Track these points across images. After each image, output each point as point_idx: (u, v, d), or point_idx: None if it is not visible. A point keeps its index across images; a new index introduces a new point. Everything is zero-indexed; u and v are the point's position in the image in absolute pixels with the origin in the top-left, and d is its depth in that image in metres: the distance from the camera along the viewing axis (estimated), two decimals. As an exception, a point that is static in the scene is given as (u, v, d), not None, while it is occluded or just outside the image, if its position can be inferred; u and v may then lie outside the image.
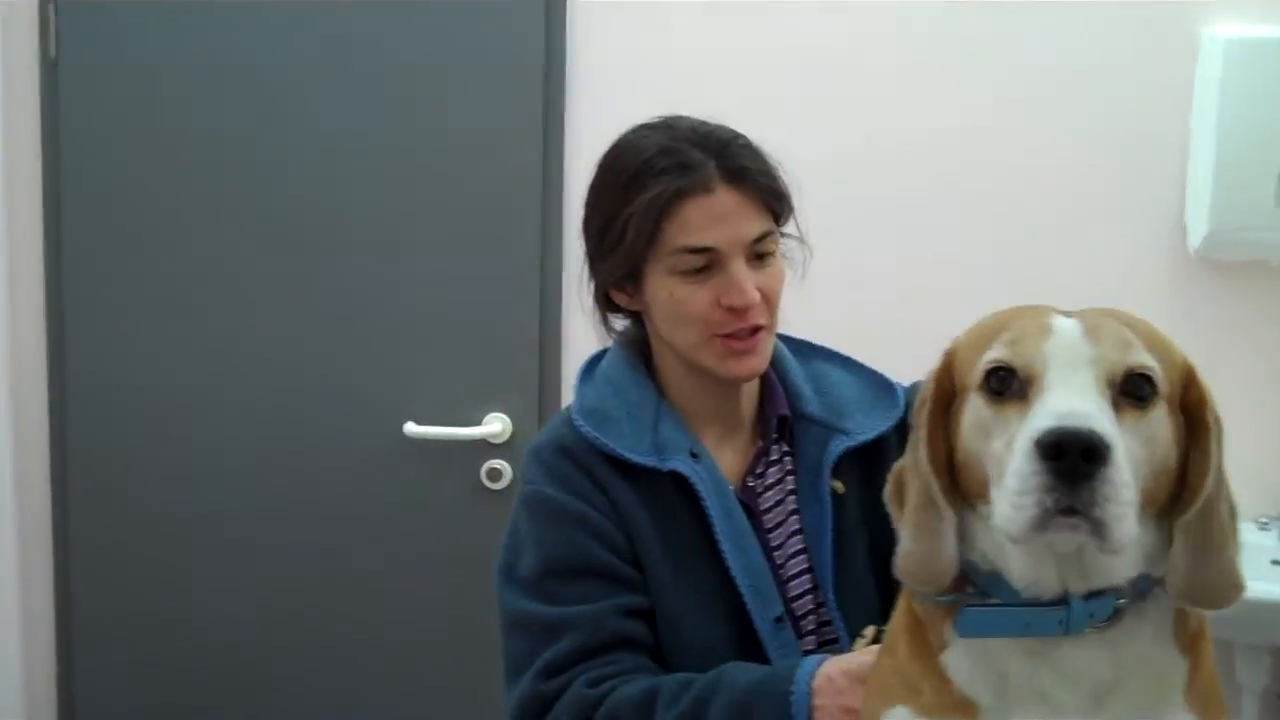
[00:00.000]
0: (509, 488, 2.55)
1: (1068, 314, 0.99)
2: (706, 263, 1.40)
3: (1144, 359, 0.94)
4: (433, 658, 2.62)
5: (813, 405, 1.51)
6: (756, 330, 1.42)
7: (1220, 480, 0.98)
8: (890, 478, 1.10)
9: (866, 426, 1.49)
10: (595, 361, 1.56)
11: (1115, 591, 0.99)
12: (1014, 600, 0.99)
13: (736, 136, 1.45)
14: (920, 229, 2.45)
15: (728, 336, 1.41)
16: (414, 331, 2.55)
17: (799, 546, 1.47)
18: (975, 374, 0.97)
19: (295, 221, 2.53)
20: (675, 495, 1.42)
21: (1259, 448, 2.36)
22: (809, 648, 1.45)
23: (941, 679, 1.04)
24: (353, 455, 2.58)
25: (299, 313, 2.56)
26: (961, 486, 1.01)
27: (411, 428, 2.54)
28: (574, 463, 1.43)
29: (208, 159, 2.50)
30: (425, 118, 2.50)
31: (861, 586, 1.46)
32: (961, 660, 1.04)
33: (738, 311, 1.40)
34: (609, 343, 1.56)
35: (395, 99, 2.49)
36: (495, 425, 2.56)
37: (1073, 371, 0.93)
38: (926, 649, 1.06)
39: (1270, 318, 2.40)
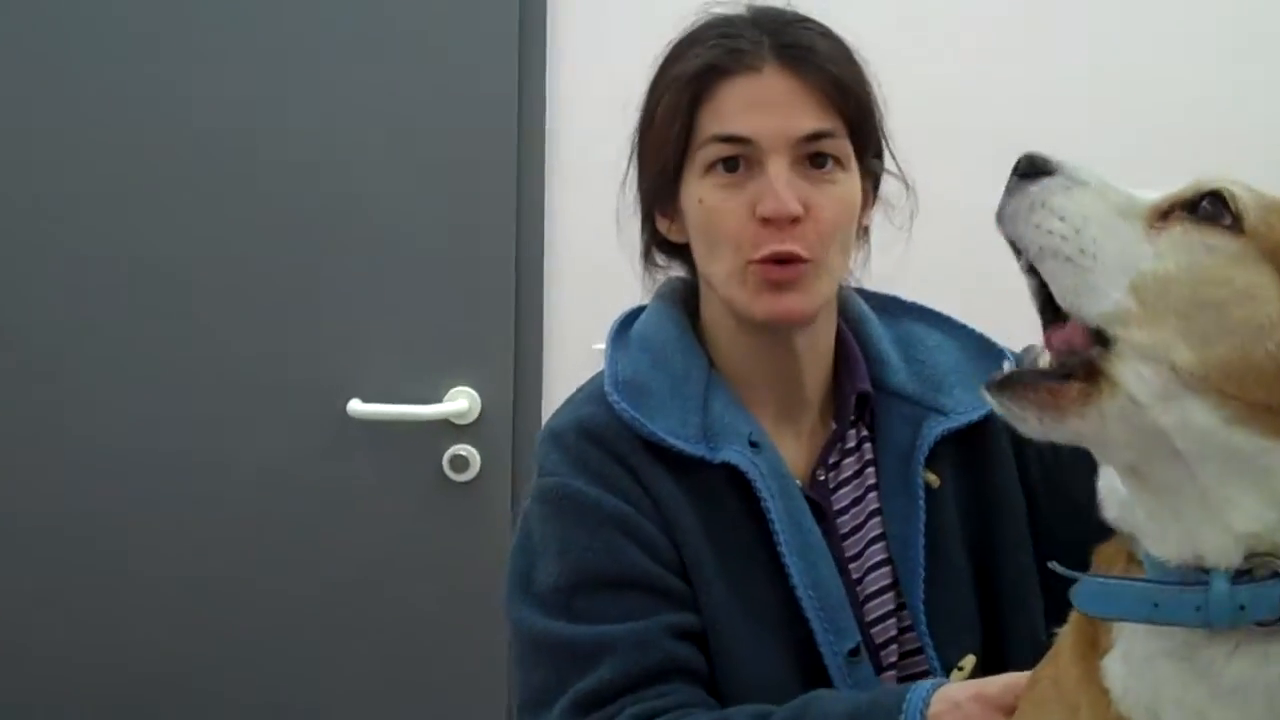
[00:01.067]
0: (478, 479, 2.42)
1: None
2: (743, 158, 1.30)
3: (1231, 185, 0.89)
4: (378, 683, 2.49)
5: (901, 376, 1.42)
6: (798, 261, 1.30)
7: None
8: None
9: (969, 404, 1.39)
10: (630, 321, 1.45)
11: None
12: (1154, 577, 0.91)
13: (810, 18, 1.37)
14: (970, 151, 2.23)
15: (763, 262, 1.30)
16: (358, 288, 2.43)
17: (881, 556, 1.37)
18: None
19: (205, 158, 2.44)
20: (728, 492, 1.33)
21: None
22: (891, 685, 1.33)
23: (1101, 690, 0.95)
24: (281, 441, 2.45)
25: (212, 269, 2.45)
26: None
27: (356, 406, 2.40)
28: (606, 450, 1.33)
29: (118, 116, 2.43)
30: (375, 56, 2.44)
31: (959, 606, 1.37)
32: (1119, 667, 0.95)
33: (772, 225, 1.29)
34: (648, 292, 1.48)
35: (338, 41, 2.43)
36: (460, 403, 2.40)
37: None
38: (1092, 650, 0.98)
39: None
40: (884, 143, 1.40)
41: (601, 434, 1.34)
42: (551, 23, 2.38)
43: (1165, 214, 0.90)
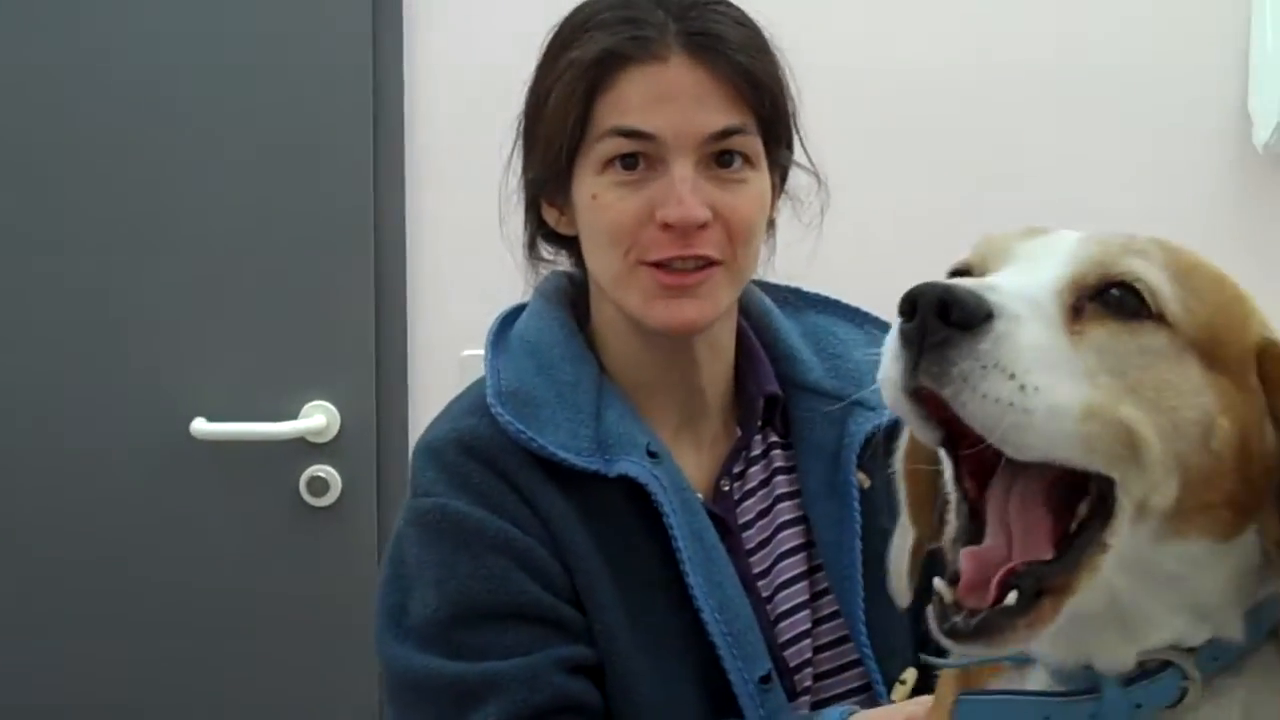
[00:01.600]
0: (339, 503, 2.38)
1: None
2: (643, 155, 1.28)
3: (1140, 269, 0.84)
4: None
5: (816, 372, 1.42)
6: (707, 265, 1.29)
7: None
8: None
9: None
10: (508, 322, 1.43)
11: (1175, 668, 0.88)
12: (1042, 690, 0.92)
13: (718, 1, 1.34)
14: (947, 133, 2.33)
15: (658, 266, 1.28)
16: (200, 294, 2.38)
17: (793, 572, 1.37)
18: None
19: (27, 154, 2.37)
20: (626, 509, 1.31)
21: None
22: (802, 711, 1.35)
23: None
24: (118, 466, 2.39)
25: (38, 274, 2.38)
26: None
27: (201, 426, 2.34)
28: (489, 466, 1.31)
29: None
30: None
31: (896, 617, 1.30)
32: None
33: (676, 232, 1.27)
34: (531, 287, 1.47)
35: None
36: (317, 419, 2.36)
37: (1029, 266, 0.85)
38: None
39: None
40: (796, 135, 1.38)
41: (484, 448, 1.31)
42: (408, 11, 2.33)
43: (1076, 309, 0.84)
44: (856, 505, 1.36)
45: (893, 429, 1.32)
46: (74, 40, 2.35)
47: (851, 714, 1.25)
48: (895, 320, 0.79)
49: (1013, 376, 0.77)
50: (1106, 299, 0.84)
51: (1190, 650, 0.88)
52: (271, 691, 2.38)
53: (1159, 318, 0.84)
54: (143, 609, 2.39)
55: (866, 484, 1.37)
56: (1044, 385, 0.78)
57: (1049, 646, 0.89)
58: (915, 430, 0.85)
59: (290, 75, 2.34)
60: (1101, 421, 0.79)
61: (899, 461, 0.98)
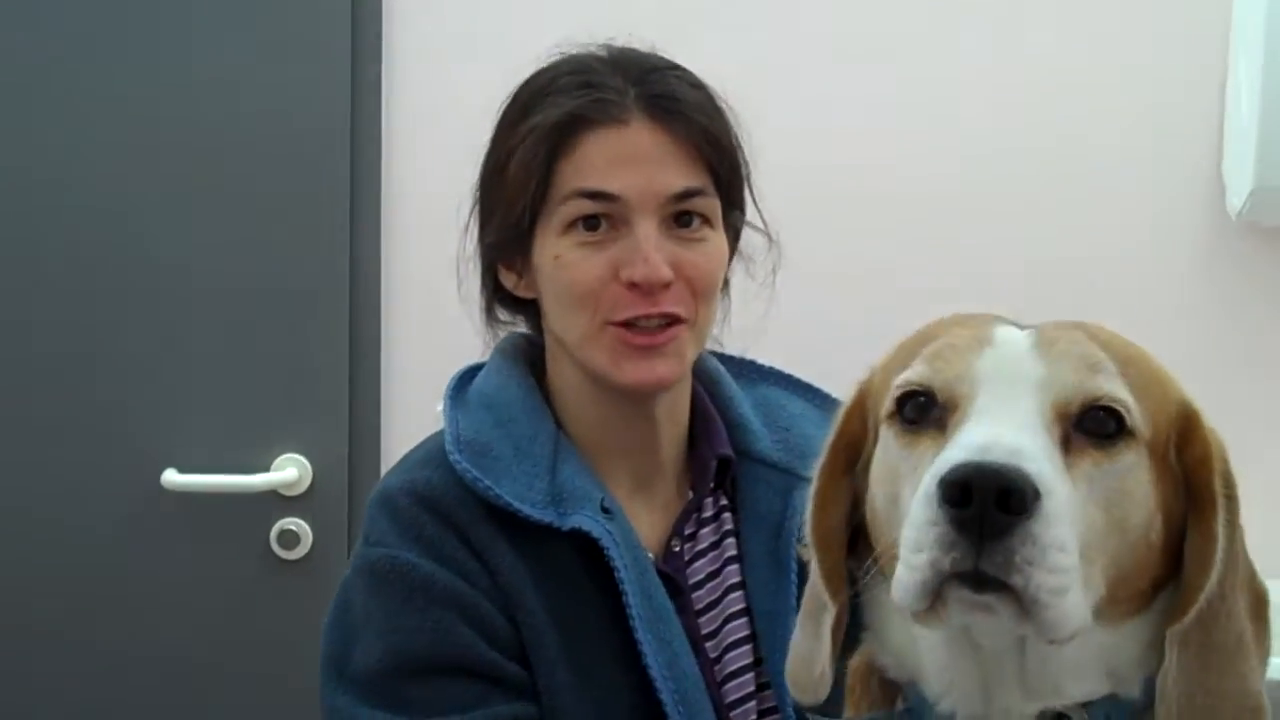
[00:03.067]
0: (310, 556, 2.37)
1: (1021, 326, 0.94)
2: (606, 216, 1.29)
3: (1113, 387, 0.87)
4: None
5: (764, 443, 1.42)
6: (672, 323, 1.31)
7: (1233, 567, 0.90)
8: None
9: None
10: (467, 378, 1.44)
11: None
12: None
13: (676, 65, 1.36)
14: (915, 200, 2.32)
15: (625, 325, 1.30)
16: (172, 344, 2.38)
17: (742, 634, 1.37)
18: (887, 402, 0.93)
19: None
20: (577, 564, 1.31)
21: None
22: None
23: None
24: (87, 518, 2.38)
25: (10, 329, 2.37)
26: (881, 560, 0.94)
27: (172, 477, 2.34)
28: (442, 519, 1.30)
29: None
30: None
31: None
32: None
33: (641, 290, 1.29)
34: (488, 349, 1.47)
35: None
36: (289, 472, 2.36)
37: (1009, 394, 0.87)
38: None
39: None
40: (750, 195, 1.39)
41: (438, 500, 1.31)
42: (386, 73, 2.36)
43: (1064, 439, 0.87)
44: (794, 578, 1.35)
45: None
46: (42, 94, 2.33)
47: None
48: (934, 503, 0.79)
49: (1064, 550, 0.80)
50: (1087, 424, 0.87)
51: (1086, 705, 0.90)
52: None
53: (1130, 433, 0.87)
54: (111, 660, 2.36)
55: (808, 558, 1.36)
56: (1073, 563, 0.81)
57: (942, 694, 0.92)
58: (926, 616, 0.84)
59: (268, 130, 2.33)
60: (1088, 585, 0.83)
61: (809, 533, 0.99)
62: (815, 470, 1.00)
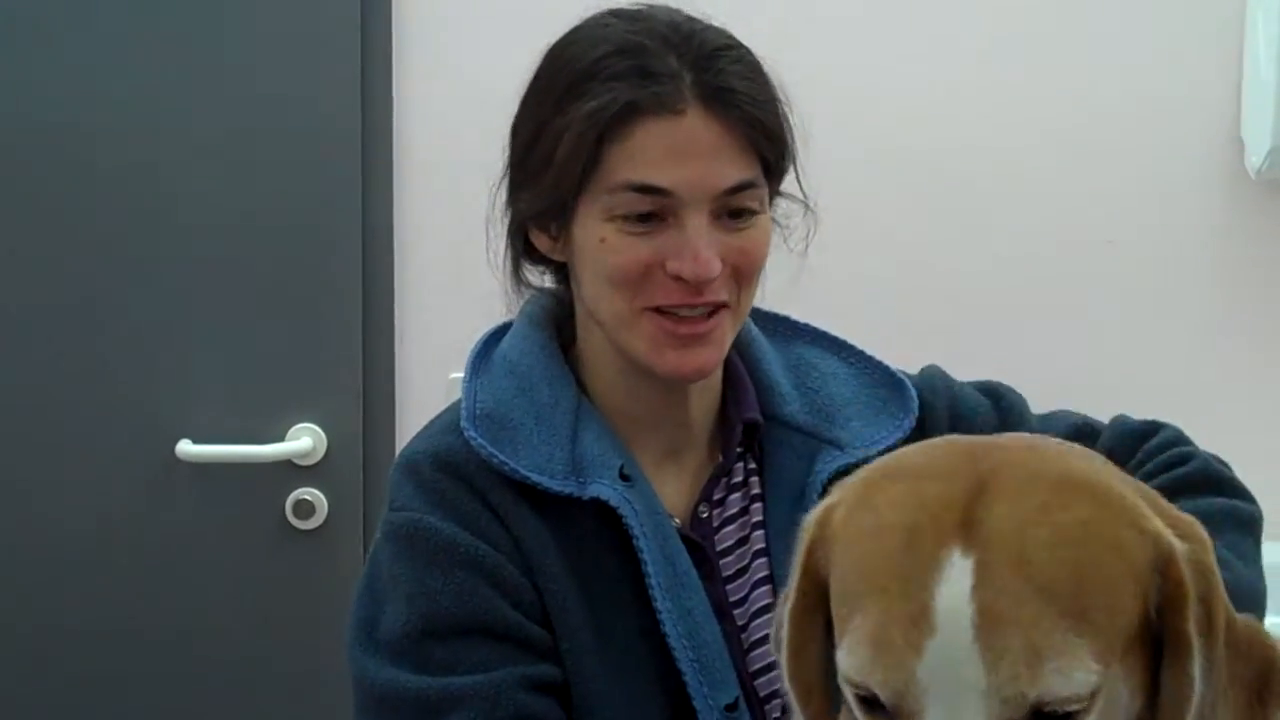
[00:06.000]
0: (325, 526, 2.38)
1: (968, 549, 0.86)
2: (656, 209, 1.28)
3: (1060, 684, 0.83)
4: None
5: (793, 406, 1.41)
6: (716, 310, 1.31)
7: (1221, 693, 0.88)
8: (776, 634, 1.02)
9: (866, 438, 1.40)
10: (493, 341, 1.43)
11: None
12: None
13: (731, 45, 1.33)
14: (941, 157, 2.34)
15: (666, 314, 1.30)
16: (185, 314, 2.38)
17: (765, 601, 1.36)
18: (837, 655, 0.91)
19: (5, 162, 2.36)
20: (599, 532, 1.32)
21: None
22: None
23: None
24: (101, 489, 2.38)
25: (13, 291, 2.37)
26: None
27: (186, 447, 2.35)
28: (464, 483, 1.32)
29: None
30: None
31: None
32: None
33: (686, 284, 1.28)
34: (514, 308, 1.45)
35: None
36: (303, 441, 2.37)
37: (958, 717, 0.84)
38: None
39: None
40: (796, 171, 1.39)
41: (460, 466, 1.31)
42: (397, 29, 2.35)
43: None
44: None
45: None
46: (56, 59, 2.33)
47: None
48: None
49: None
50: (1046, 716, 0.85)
51: None
52: (257, 713, 2.37)
53: (1088, 701, 0.85)
54: (127, 631, 2.39)
55: None
56: None
57: None
58: None
59: (279, 93, 2.33)
60: None
61: (786, 682, 0.98)
62: (785, 614, 0.98)
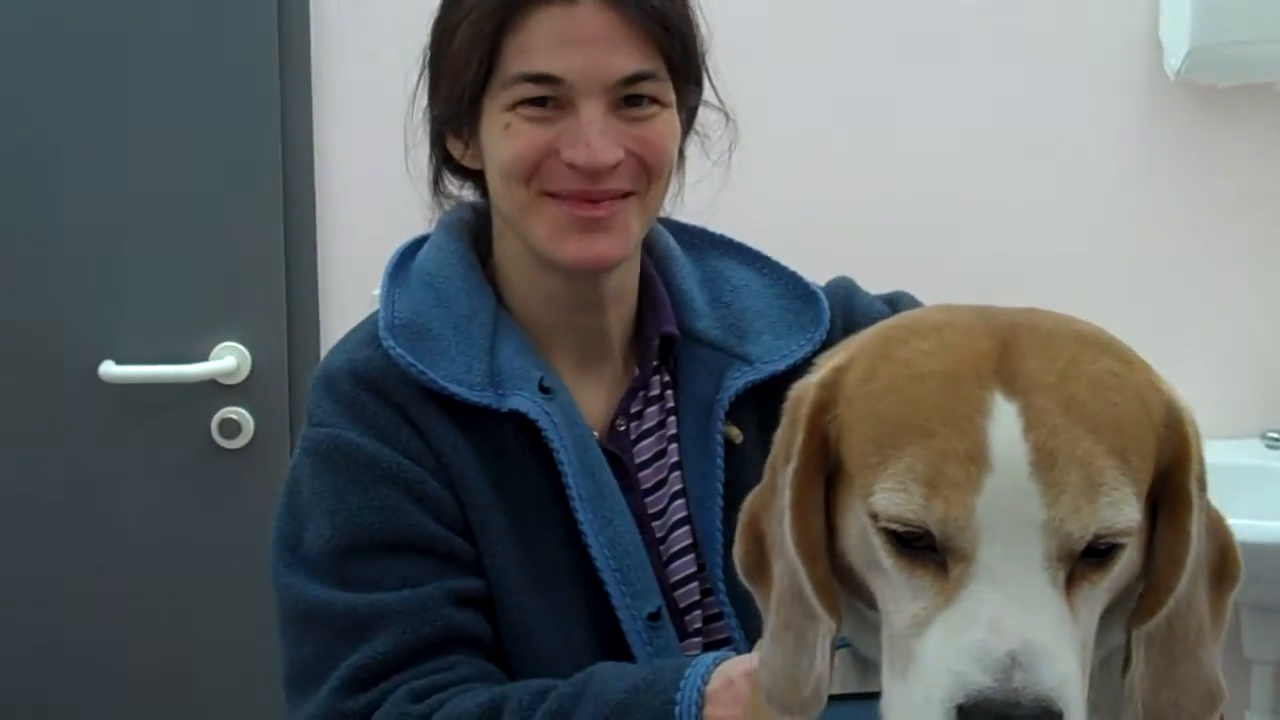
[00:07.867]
0: (252, 445, 2.40)
1: (1011, 394, 0.86)
2: (551, 97, 1.28)
3: (1115, 517, 0.84)
4: (148, 671, 2.44)
5: (705, 320, 1.41)
6: (621, 196, 1.30)
7: (1200, 559, 0.90)
8: (742, 522, 0.99)
9: (776, 352, 1.39)
10: (410, 253, 1.43)
11: None
12: None
13: None
14: (862, 73, 2.37)
15: (564, 197, 1.29)
16: (106, 235, 2.36)
17: (681, 514, 1.38)
18: (871, 499, 0.88)
19: None
20: (519, 444, 1.32)
21: (1262, 337, 2.25)
22: (694, 652, 1.34)
23: None
24: (25, 412, 2.38)
25: None
26: (843, 577, 0.94)
27: (110, 369, 2.34)
28: (381, 396, 1.32)
29: None
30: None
31: None
32: None
33: (580, 172, 1.28)
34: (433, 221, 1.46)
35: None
36: (228, 360, 2.38)
37: (1015, 552, 0.84)
38: None
39: (1272, 155, 2.31)
40: (705, 75, 1.38)
41: (379, 380, 1.31)
42: None
43: (1069, 575, 0.87)
44: (720, 461, 1.36)
45: (769, 384, 1.34)
46: None
47: (723, 659, 1.24)
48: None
49: None
50: (1090, 551, 0.85)
51: None
52: (184, 634, 2.38)
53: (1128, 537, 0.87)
54: (51, 555, 2.39)
55: (739, 439, 1.37)
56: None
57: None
58: None
59: (195, 11, 2.29)
60: None
61: (790, 543, 0.95)
62: (788, 478, 0.95)
